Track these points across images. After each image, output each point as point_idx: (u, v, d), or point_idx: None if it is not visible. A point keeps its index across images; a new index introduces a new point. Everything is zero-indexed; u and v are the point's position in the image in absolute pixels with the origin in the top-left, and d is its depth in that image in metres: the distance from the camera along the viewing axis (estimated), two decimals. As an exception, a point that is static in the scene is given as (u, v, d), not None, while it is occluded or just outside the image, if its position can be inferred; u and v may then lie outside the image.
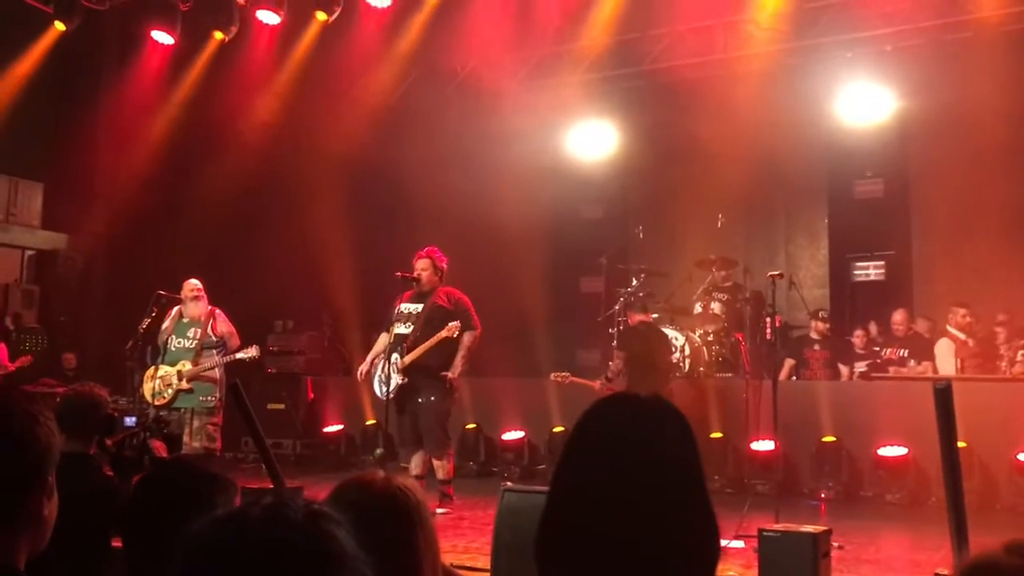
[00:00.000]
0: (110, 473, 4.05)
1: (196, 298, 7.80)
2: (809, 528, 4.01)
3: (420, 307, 7.26)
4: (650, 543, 1.42)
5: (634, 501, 1.44)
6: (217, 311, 7.88)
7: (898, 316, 9.85)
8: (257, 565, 1.08)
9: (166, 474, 2.23)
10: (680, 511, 1.46)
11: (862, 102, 10.34)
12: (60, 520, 1.68)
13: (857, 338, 9.95)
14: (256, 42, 11.52)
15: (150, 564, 1.95)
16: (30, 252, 13.15)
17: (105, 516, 3.09)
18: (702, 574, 1.46)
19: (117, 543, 2.85)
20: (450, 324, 7.05)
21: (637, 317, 9.21)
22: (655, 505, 1.44)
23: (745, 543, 5.46)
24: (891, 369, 9.38)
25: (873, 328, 10.13)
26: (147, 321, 7.88)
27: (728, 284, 10.53)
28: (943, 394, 3.13)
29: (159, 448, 4.23)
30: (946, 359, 9.29)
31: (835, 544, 5.54)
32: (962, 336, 9.39)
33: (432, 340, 7.07)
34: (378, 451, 7.41)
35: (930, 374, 9.07)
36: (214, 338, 7.74)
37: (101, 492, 3.61)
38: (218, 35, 10.99)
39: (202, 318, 7.78)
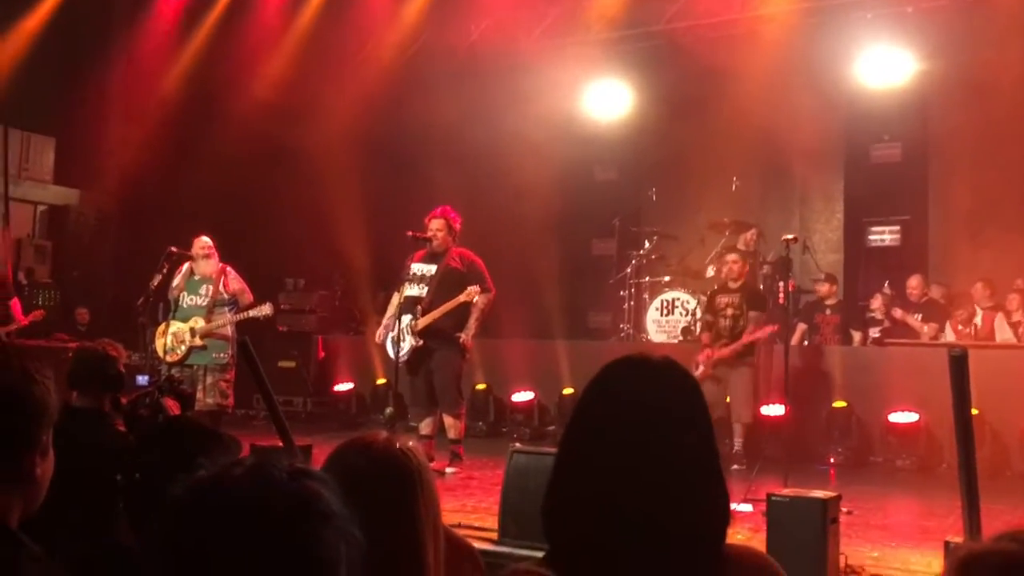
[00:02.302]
0: (123, 430, 4.06)
1: (207, 255, 7.79)
2: (819, 493, 4.00)
3: (433, 268, 7.22)
4: (659, 507, 1.40)
5: (643, 464, 1.42)
6: (228, 268, 7.88)
7: (913, 281, 9.78)
8: (239, 524, 1.08)
9: (168, 431, 2.22)
10: (690, 475, 1.44)
11: (882, 64, 10.19)
12: (74, 473, 1.67)
13: (876, 301, 9.89)
14: (267, 0, 11.41)
15: (147, 521, 1.95)
16: (42, 207, 13.17)
17: (118, 471, 3.11)
18: (713, 538, 1.44)
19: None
20: (469, 288, 7.01)
21: None
22: (664, 468, 1.43)
23: (753, 507, 5.46)
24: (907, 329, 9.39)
25: (888, 290, 10.06)
26: (158, 278, 7.87)
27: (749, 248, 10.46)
28: (958, 361, 3.11)
29: (172, 407, 4.23)
30: (1003, 330, 9.15)
31: (844, 510, 5.54)
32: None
33: (449, 304, 7.03)
34: (388, 410, 7.42)
35: (942, 340, 9.00)
36: (226, 295, 7.75)
37: (115, 447, 3.62)
38: (230, -11, 10.87)
39: (213, 275, 7.78)
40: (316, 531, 1.09)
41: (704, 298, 9.99)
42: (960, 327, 9.23)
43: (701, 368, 8.19)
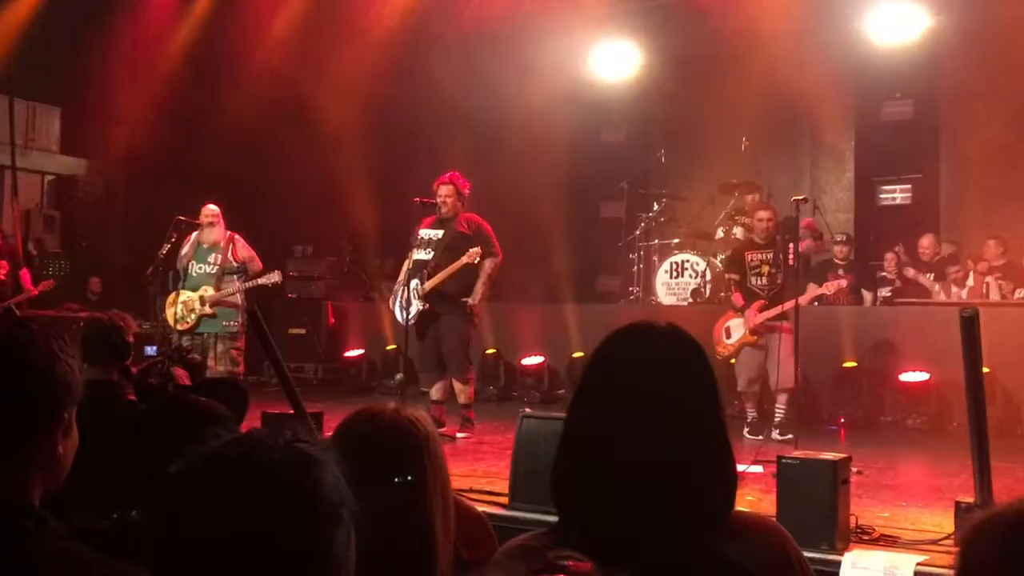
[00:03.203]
0: (133, 399, 4.09)
1: (213, 223, 7.81)
2: (828, 455, 4.00)
3: (441, 233, 7.21)
4: (666, 474, 1.40)
5: (649, 432, 1.42)
6: (236, 236, 7.90)
7: (925, 241, 9.71)
8: (229, 507, 1.08)
9: (162, 407, 2.21)
10: (697, 441, 1.44)
11: (892, 21, 10.03)
12: (85, 445, 1.67)
13: (888, 262, 9.83)
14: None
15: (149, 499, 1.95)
16: (50, 177, 13.17)
17: (130, 442, 3.12)
18: (720, 504, 1.44)
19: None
20: (470, 250, 7.01)
21: None
22: (671, 435, 1.43)
23: (764, 468, 5.47)
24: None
25: (900, 250, 9.99)
26: (167, 246, 7.90)
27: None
28: (969, 322, 3.09)
29: (182, 376, 4.25)
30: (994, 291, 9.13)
31: (855, 469, 5.54)
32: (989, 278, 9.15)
33: (453, 266, 7.03)
34: (398, 376, 7.47)
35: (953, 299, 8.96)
36: (235, 263, 7.77)
37: (126, 417, 3.64)
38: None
39: (221, 243, 7.80)
40: (309, 522, 1.09)
41: (715, 260, 9.97)
42: (954, 288, 9.19)
43: (741, 333, 7.58)
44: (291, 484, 1.10)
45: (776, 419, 7.44)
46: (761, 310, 7.47)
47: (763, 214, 7.82)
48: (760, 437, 7.31)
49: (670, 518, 1.38)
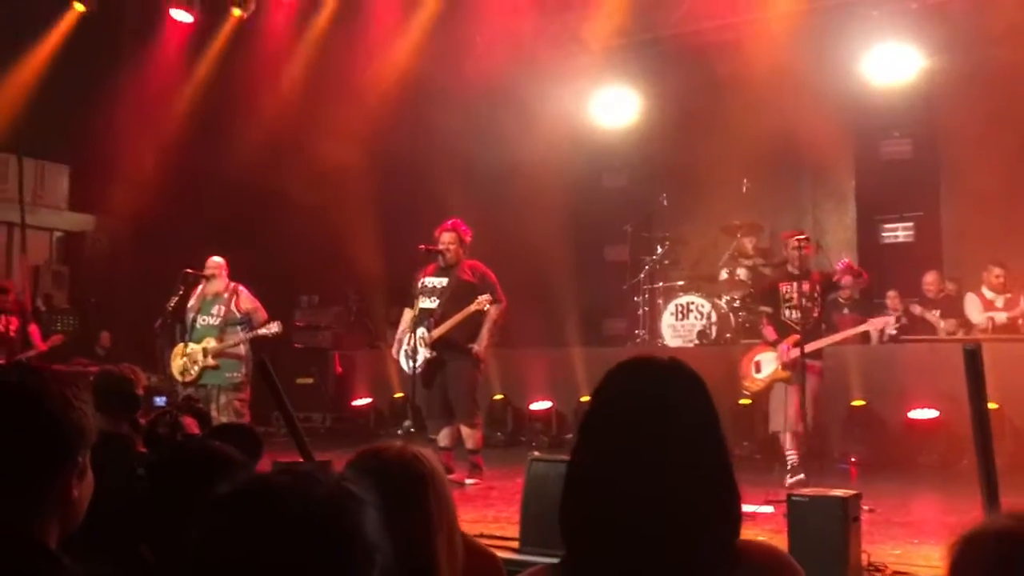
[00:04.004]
0: (143, 450, 4.11)
1: (215, 275, 7.87)
2: (839, 492, 4.00)
3: (445, 281, 7.26)
4: (671, 506, 1.42)
5: (652, 463, 1.44)
6: (240, 288, 7.95)
7: (929, 277, 9.75)
8: (274, 534, 1.09)
9: (176, 458, 2.24)
10: (701, 474, 1.46)
11: (889, 61, 10.16)
12: (97, 498, 1.70)
13: (890, 299, 9.85)
14: (274, 17, 11.51)
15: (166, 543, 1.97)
16: (58, 234, 13.30)
17: (140, 494, 3.14)
18: (726, 535, 1.46)
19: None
20: (480, 297, 7.05)
21: None
22: (674, 466, 1.45)
23: (775, 508, 5.44)
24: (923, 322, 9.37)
25: (894, 295, 10.02)
26: (175, 299, 7.95)
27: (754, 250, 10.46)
28: (972, 355, 3.09)
29: (191, 425, 4.28)
30: (973, 311, 9.21)
31: (865, 507, 5.51)
32: (990, 295, 9.28)
33: (462, 314, 7.07)
34: (406, 423, 7.46)
35: (960, 334, 8.97)
36: (238, 315, 7.81)
37: (135, 469, 3.65)
38: (236, 12, 10.99)
39: (224, 295, 7.85)
40: (351, 560, 1.11)
41: (720, 301, 9.98)
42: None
43: (772, 369, 7.16)
44: (333, 518, 1.12)
45: (789, 466, 7.04)
46: (796, 344, 6.99)
47: (795, 241, 7.31)
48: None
49: (674, 551, 1.40)
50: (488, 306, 7.08)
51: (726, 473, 1.49)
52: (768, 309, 7.43)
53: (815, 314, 7.12)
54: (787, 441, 7.06)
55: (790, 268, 7.36)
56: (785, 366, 7.08)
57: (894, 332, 9.60)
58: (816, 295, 7.15)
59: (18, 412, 1.50)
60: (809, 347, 6.91)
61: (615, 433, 1.50)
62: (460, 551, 1.78)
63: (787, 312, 7.25)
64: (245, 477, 1.18)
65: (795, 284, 7.21)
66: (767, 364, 7.23)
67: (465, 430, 7.22)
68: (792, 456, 7.07)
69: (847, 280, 7.45)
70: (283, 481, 1.16)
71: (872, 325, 7.51)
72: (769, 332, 7.33)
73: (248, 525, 1.12)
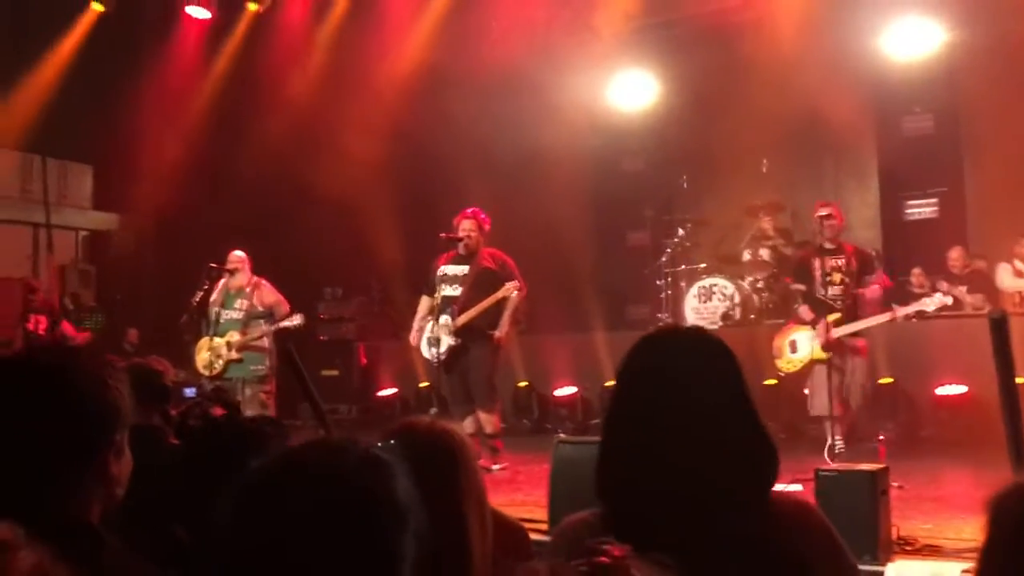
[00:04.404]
0: (176, 442, 4.16)
1: (238, 269, 7.94)
2: (866, 466, 3.99)
3: (466, 269, 7.28)
4: (702, 464, 1.45)
5: (685, 426, 1.47)
6: (262, 281, 8.01)
7: (954, 253, 9.67)
8: (307, 504, 1.11)
9: (212, 434, 2.27)
10: (730, 431, 1.48)
11: (909, 35, 10.06)
12: (130, 491, 1.74)
13: (915, 276, 9.78)
14: (290, 11, 11.55)
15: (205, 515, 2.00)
16: (84, 233, 13.44)
17: (174, 484, 3.18)
18: (759, 490, 1.48)
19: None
20: (508, 285, 7.09)
21: None
22: (706, 428, 1.47)
23: (803, 486, 5.43)
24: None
25: (919, 272, 9.95)
26: (200, 294, 8.03)
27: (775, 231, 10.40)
28: (999, 324, 3.09)
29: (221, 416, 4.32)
30: (1006, 277, 9.14)
31: (895, 484, 5.49)
32: (1021, 267, 9.21)
33: (487, 301, 7.10)
34: (432, 411, 7.50)
35: (987, 308, 8.90)
36: (260, 308, 7.88)
37: (168, 461, 3.70)
38: (252, 6, 11.03)
39: (247, 288, 7.92)
40: (384, 525, 1.12)
41: (743, 282, 9.94)
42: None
43: (810, 349, 6.78)
44: (363, 486, 1.13)
45: (837, 448, 6.65)
46: (836, 323, 6.69)
47: (823, 211, 6.98)
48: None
49: (708, 506, 1.43)
50: (514, 292, 7.12)
51: (757, 430, 1.52)
52: (802, 287, 7.06)
53: (854, 290, 6.78)
54: (831, 427, 6.72)
55: (824, 243, 7.01)
56: (825, 347, 6.71)
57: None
58: (853, 270, 6.80)
59: (57, 393, 1.54)
60: (850, 328, 6.63)
61: (642, 403, 1.54)
62: (490, 524, 1.80)
63: (822, 289, 6.88)
64: (275, 452, 1.20)
65: (829, 259, 6.88)
66: (803, 344, 6.89)
67: (483, 415, 7.24)
68: (839, 443, 6.70)
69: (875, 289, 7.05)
70: (313, 455, 1.18)
71: (922, 304, 6.82)
72: (805, 311, 6.96)
73: (278, 501, 1.13)
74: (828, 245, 6.95)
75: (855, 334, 6.68)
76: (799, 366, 7.03)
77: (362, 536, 1.12)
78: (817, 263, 6.92)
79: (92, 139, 12.42)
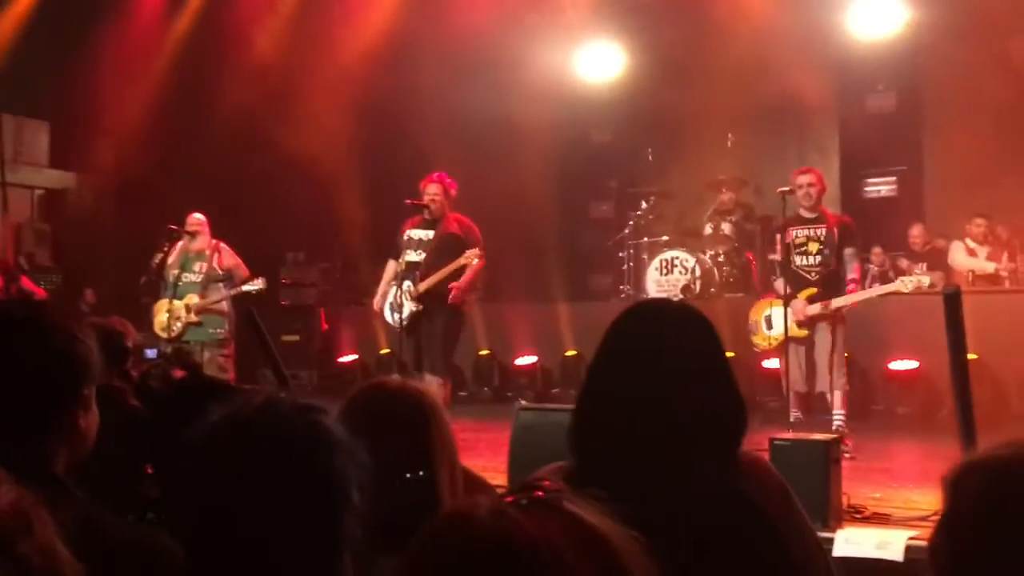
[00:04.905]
0: (136, 403, 4.14)
1: (198, 232, 7.88)
2: (819, 436, 4.09)
3: (431, 233, 7.25)
4: (684, 422, 1.52)
5: (667, 393, 1.55)
6: (221, 244, 7.96)
7: (915, 231, 9.84)
8: (258, 458, 1.15)
9: (179, 391, 2.28)
10: (709, 396, 1.56)
11: (873, 14, 10.15)
12: (93, 452, 1.75)
13: (875, 256, 9.93)
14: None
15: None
16: (39, 191, 13.18)
17: (135, 444, 3.18)
18: (733, 444, 1.55)
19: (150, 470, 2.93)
20: (468, 252, 7.05)
21: None
22: (688, 393, 1.55)
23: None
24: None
25: (879, 251, 10.10)
26: (159, 256, 7.97)
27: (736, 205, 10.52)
28: (952, 299, 3.16)
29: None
30: (959, 256, 9.33)
31: (847, 455, 5.62)
32: (973, 246, 9.40)
33: (449, 267, 7.05)
34: (394, 377, 7.49)
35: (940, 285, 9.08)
36: (220, 271, 7.84)
37: (130, 421, 3.69)
38: (217, -35, 10.82)
39: (206, 251, 7.87)
40: (327, 458, 1.17)
41: (704, 256, 10.04)
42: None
43: (779, 327, 6.35)
44: (309, 432, 1.18)
45: (834, 427, 6.25)
46: (812, 299, 6.39)
47: (803, 179, 6.58)
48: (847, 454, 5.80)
49: (683, 459, 1.49)
50: (475, 260, 7.10)
51: (731, 395, 1.59)
52: (777, 257, 6.65)
53: (832, 262, 6.39)
54: (836, 400, 6.47)
55: (802, 211, 6.63)
56: (801, 324, 6.41)
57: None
58: (833, 241, 6.39)
59: (28, 345, 1.54)
60: (832, 303, 6.33)
61: (627, 369, 1.61)
62: (460, 482, 1.84)
63: (799, 259, 6.51)
64: (210, 419, 1.24)
65: (807, 228, 6.53)
66: (779, 320, 6.47)
67: (432, 380, 7.11)
68: (839, 417, 6.43)
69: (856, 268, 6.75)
70: (248, 412, 1.23)
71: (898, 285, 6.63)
72: (780, 285, 6.60)
73: (229, 461, 1.19)
74: (807, 214, 6.58)
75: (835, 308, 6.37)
76: (775, 343, 6.76)
77: (308, 474, 1.17)
78: (793, 232, 6.57)
79: (49, 95, 12.16)
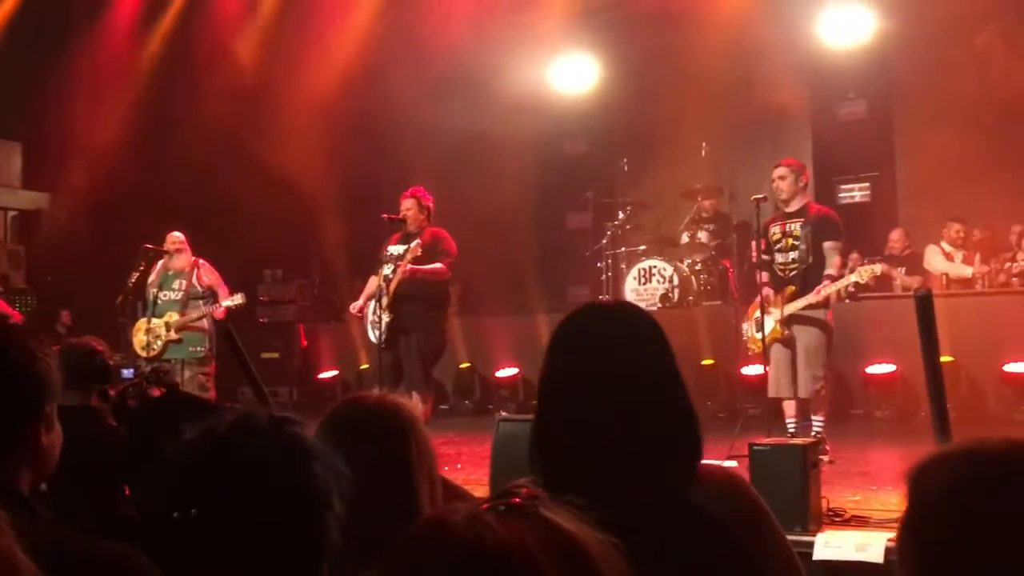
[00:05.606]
0: (114, 423, 4.10)
1: (179, 250, 7.85)
2: (798, 440, 4.11)
3: (405, 248, 7.24)
4: (632, 436, 1.49)
5: (614, 397, 1.52)
6: (201, 261, 7.93)
7: (895, 235, 9.94)
8: (237, 473, 1.15)
9: (158, 409, 2.28)
10: (658, 402, 1.53)
11: (843, 22, 10.26)
12: (69, 471, 1.74)
13: (852, 260, 10.01)
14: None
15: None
16: (12, 213, 13.07)
17: (113, 465, 3.15)
18: (686, 453, 1.53)
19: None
20: (411, 245, 6.93)
21: None
22: (632, 399, 1.52)
23: (738, 463, 5.56)
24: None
25: (856, 257, 10.18)
26: (135, 275, 7.91)
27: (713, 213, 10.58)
28: (923, 302, 3.19)
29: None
30: (936, 260, 9.41)
31: (826, 459, 5.66)
32: (948, 250, 9.50)
33: (401, 269, 6.90)
34: (375, 391, 7.46)
35: (917, 286, 9.17)
36: (200, 288, 7.79)
37: (107, 441, 3.66)
38: (189, -18, 10.80)
39: (186, 269, 7.83)
40: (307, 468, 1.17)
41: (682, 264, 10.10)
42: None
43: (772, 327, 6.06)
44: (287, 444, 1.18)
45: (813, 432, 6.09)
46: (792, 296, 6.11)
47: (774, 173, 6.36)
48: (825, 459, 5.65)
49: (636, 469, 1.48)
50: (420, 251, 6.93)
51: (684, 405, 1.57)
52: (767, 258, 6.37)
53: (810, 259, 6.08)
54: (811, 405, 6.29)
55: (781, 206, 6.37)
56: (781, 322, 6.14)
57: (852, 289, 9.78)
58: (808, 235, 6.10)
59: None
60: (799, 304, 6.05)
61: (576, 373, 1.59)
62: (440, 494, 1.84)
63: (778, 257, 6.25)
64: (186, 437, 1.25)
65: (784, 223, 6.27)
66: (768, 322, 6.20)
67: (416, 397, 7.11)
68: (818, 423, 6.23)
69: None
70: (224, 429, 1.24)
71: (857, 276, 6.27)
72: (764, 277, 6.39)
73: (209, 478, 1.20)
74: (788, 208, 6.29)
75: (813, 307, 6.08)
76: (763, 347, 6.41)
77: (288, 486, 1.19)
78: (774, 229, 6.33)
79: (21, 116, 12.07)
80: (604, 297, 10.43)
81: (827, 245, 6.13)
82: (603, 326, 1.64)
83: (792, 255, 6.16)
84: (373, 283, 7.37)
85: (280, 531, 1.18)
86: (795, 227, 6.19)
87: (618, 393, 1.53)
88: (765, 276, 6.37)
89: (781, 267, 6.24)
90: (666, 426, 1.53)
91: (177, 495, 1.20)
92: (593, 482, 1.46)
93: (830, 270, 6.14)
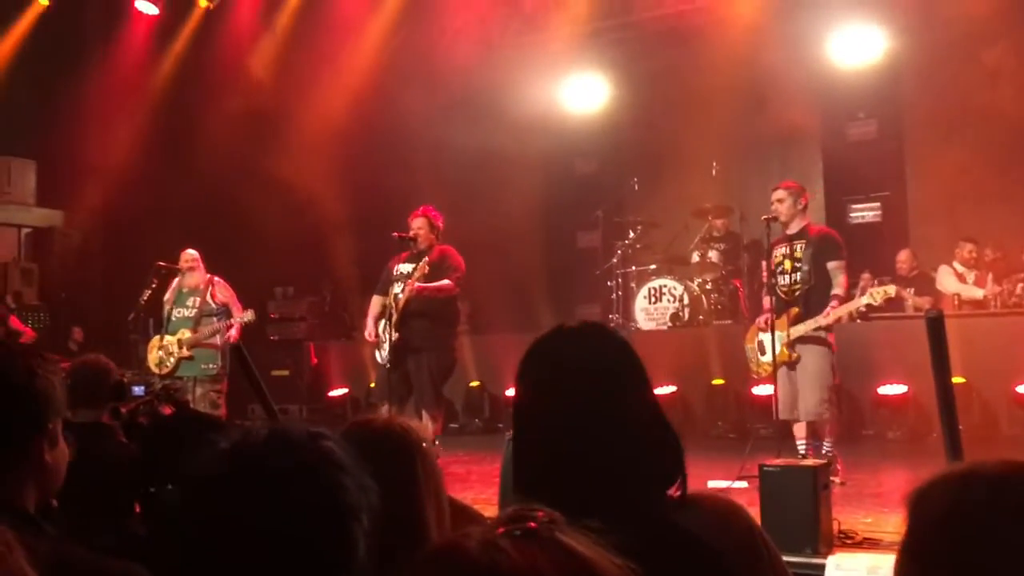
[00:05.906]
0: (125, 440, 4.11)
1: (192, 268, 7.88)
2: (809, 462, 4.09)
3: (414, 267, 7.25)
4: (606, 460, 1.49)
5: (586, 422, 1.51)
6: (216, 279, 7.97)
7: (902, 255, 9.90)
8: (268, 486, 1.14)
9: (169, 427, 2.28)
10: (631, 425, 1.52)
11: (853, 42, 10.28)
12: (81, 488, 1.74)
13: (863, 280, 9.98)
14: (240, 7, 11.44)
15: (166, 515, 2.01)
16: (27, 230, 13.17)
17: (125, 482, 3.16)
18: (664, 474, 1.52)
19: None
20: (420, 263, 6.95)
21: None
22: (603, 423, 1.51)
23: (748, 483, 5.53)
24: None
25: (868, 277, 10.15)
26: (147, 292, 7.96)
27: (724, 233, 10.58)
28: (935, 322, 3.19)
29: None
30: (948, 281, 9.37)
31: (837, 481, 5.63)
32: (961, 270, 9.46)
33: (410, 284, 6.93)
34: (383, 409, 7.46)
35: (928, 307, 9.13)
36: (214, 305, 7.82)
37: (118, 458, 3.67)
38: (202, 2, 10.91)
39: (201, 286, 7.86)
40: (339, 481, 1.17)
41: (692, 283, 10.09)
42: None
43: (778, 350, 5.99)
44: (320, 457, 1.18)
45: (824, 451, 6.03)
46: (794, 319, 6.06)
47: (773, 196, 6.35)
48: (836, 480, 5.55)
49: (615, 493, 1.46)
50: (428, 268, 6.97)
51: (657, 416, 1.55)
52: (773, 281, 6.31)
53: (812, 280, 6.03)
54: (817, 429, 6.23)
55: (785, 229, 6.34)
56: (787, 344, 6.08)
57: (863, 310, 9.74)
58: (809, 256, 6.06)
59: None
60: (801, 328, 6.01)
61: (548, 396, 1.58)
62: (447, 517, 1.83)
63: (781, 279, 6.22)
64: (220, 446, 1.23)
65: (785, 245, 6.25)
66: (770, 344, 6.17)
67: (425, 415, 7.11)
68: (828, 448, 6.12)
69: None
70: (259, 438, 1.22)
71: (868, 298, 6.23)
72: (767, 302, 6.39)
73: (241, 489, 1.17)
74: (789, 231, 6.28)
75: (816, 329, 6.05)
76: (769, 370, 6.31)
77: (320, 498, 1.17)
78: (776, 250, 6.31)
79: (36, 134, 12.19)
80: (618, 319, 10.45)
81: (831, 265, 6.10)
82: (570, 348, 1.62)
83: (795, 276, 6.13)
84: (377, 303, 7.37)
85: (311, 544, 1.17)
86: (797, 249, 6.18)
87: (588, 418, 1.52)
88: (769, 300, 6.36)
89: (784, 289, 6.21)
90: (640, 448, 1.52)
91: (207, 512, 1.18)
92: (574, 508, 1.45)
93: (837, 290, 6.10)
